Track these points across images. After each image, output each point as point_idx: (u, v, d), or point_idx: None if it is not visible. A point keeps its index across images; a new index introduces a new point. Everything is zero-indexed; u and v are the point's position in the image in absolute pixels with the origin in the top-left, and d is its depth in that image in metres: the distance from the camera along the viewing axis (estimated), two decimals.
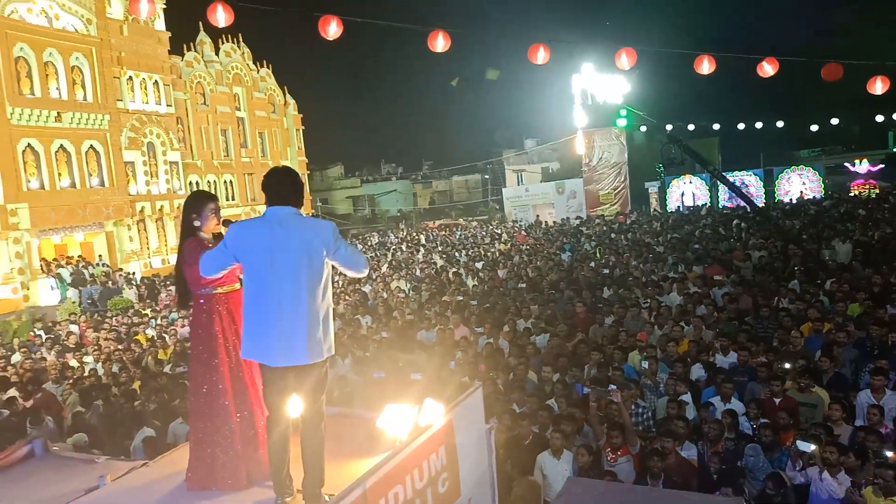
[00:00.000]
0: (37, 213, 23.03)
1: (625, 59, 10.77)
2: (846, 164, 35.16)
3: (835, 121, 34.91)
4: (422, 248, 26.90)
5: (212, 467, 3.65)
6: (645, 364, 8.09)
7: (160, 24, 29.69)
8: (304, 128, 41.84)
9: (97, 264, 25.23)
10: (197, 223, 3.83)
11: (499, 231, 31.07)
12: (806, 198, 30.59)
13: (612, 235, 23.25)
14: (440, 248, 26.09)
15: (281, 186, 3.54)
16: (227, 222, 3.80)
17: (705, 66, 10.96)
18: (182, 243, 3.87)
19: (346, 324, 12.69)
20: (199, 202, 3.91)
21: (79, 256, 26.29)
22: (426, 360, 9.31)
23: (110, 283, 22.61)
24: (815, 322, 9.08)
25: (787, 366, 7.63)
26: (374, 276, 19.63)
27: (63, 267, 23.75)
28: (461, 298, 13.84)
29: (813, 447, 5.60)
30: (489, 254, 22.26)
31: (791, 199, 30.70)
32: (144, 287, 22.68)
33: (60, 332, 15.96)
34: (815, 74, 11.07)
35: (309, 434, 3.49)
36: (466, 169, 56.27)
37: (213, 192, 27.41)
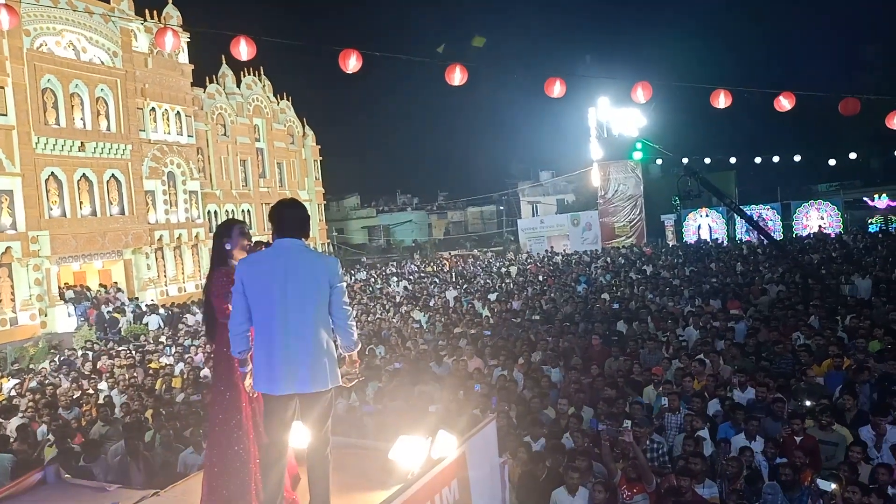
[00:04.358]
0: (57, 241, 23.35)
1: (641, 93, 10.83)
2: (865, 199, 34.87)
3: (853, 155, 34.71)
4: (436, 280, 26.88)
5: (227, 498, 3.63)
6: (665, 401, 7.96)
7: (184, 57, 30.36)
8: (321, 158, 42.31)
9: (102, 288, 25.67)
10: (228, 246, 3.91)
11: (503, 268, 28.61)
12: (825, 231, 30.31)
13: (633, 268, 23.14)
14: (454, 280, 26.06)
15: (288, 219, 3.63)
16: (259, 244, 3.90)
17: (721, 101, 10.98)
18: (211, 273, 3.89)
19: (360, 354, 12.64)
20: (227, 227, 4.02)
21: (100, 285, 26.67)
22: (439, 391, 9.24)
23: (105, 306, 22.88)
24: (835, 358, 8.92)
25: (809, 403, 7.49)
26: (387, 306, 19.63)
27: (69, 289, 24.60)
28: (474, 332, 13.74)
29: (833, 486, 5.46)
30: (503, 285, 22.20)
31: (810, 234, 30.44)
32: (134, 316, 22.79)
33: (76, 359, 16.06)
34: (833, 109, 11.05)
35: (314, 461, 3.52)
36: (482, 200, 56.40)
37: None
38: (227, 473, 3.65)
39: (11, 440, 8.47)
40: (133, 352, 16.30)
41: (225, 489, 3.64)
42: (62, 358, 16.82)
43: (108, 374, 13.73)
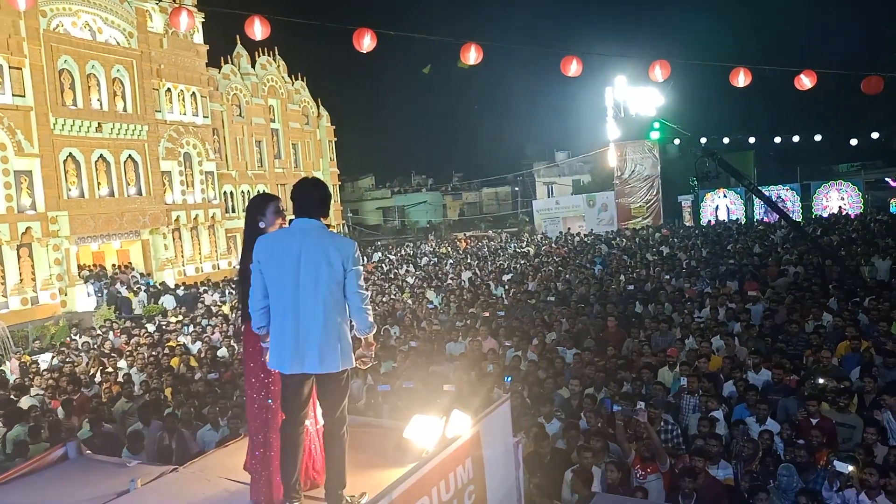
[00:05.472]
0: (76, 221, 23.58)
1: (659, 72, 10.70)
2: (887, 179, 34.30)
3: (875, 135, 34.11)
4: (450, 260, 26.91)
5: (267, 478, 3.63)
6: (684, 381, 7.95)
7: (199, 37, 30.34)
8: (336, 139, 42.27)
9: (117, 268, 26.14)
10: (262, 224, 3.79)
11: (520, 247, 30.14)
12: (844, 213, 29.90)
13: (650, 247, 23.04)
14: (469, 261, 26.07)
15: (309, 198, 3.60)
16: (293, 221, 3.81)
17: (741, 79, 10.81)
18: (245, 252, 3.72)
19: (375, 335, 12.68)
20: (261, 203, 3.86)
21: (115, 265, 27.00)
22: (454, 371, 9.28)
23: (119, 285, 23.26)
24: (852, 340, 8.84)
25: (822, 381, 7.44)
26: (402, 286, 19.71)
27: (85, 269, 25.09)
28: (487, 314, 13.74)
29: (851, 468, 5.43)
30: (518, 265, 22.17)
31: (831, 214, 30.05)
32: (148, 295, 23.02)
33: (97, 338, 16.28)
34: (854, 88, 10.86)
35: (331, 439, 3.57)
36: (497, 181, 56.19)
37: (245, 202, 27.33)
38: (266, 450, 3.67)
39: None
40: (151, 331, 16.49)
41: (264, 470, 3.66)
42: (83, 339, 17.02)
43: (127, 353, 13.91)
